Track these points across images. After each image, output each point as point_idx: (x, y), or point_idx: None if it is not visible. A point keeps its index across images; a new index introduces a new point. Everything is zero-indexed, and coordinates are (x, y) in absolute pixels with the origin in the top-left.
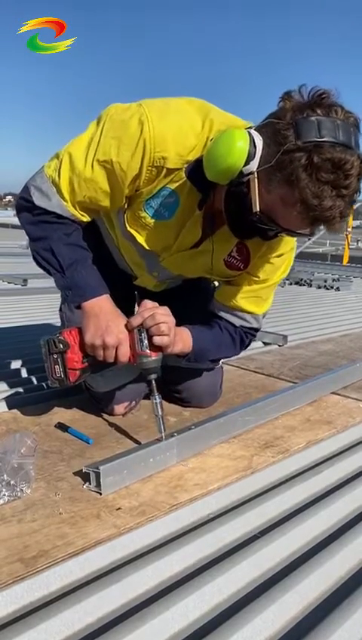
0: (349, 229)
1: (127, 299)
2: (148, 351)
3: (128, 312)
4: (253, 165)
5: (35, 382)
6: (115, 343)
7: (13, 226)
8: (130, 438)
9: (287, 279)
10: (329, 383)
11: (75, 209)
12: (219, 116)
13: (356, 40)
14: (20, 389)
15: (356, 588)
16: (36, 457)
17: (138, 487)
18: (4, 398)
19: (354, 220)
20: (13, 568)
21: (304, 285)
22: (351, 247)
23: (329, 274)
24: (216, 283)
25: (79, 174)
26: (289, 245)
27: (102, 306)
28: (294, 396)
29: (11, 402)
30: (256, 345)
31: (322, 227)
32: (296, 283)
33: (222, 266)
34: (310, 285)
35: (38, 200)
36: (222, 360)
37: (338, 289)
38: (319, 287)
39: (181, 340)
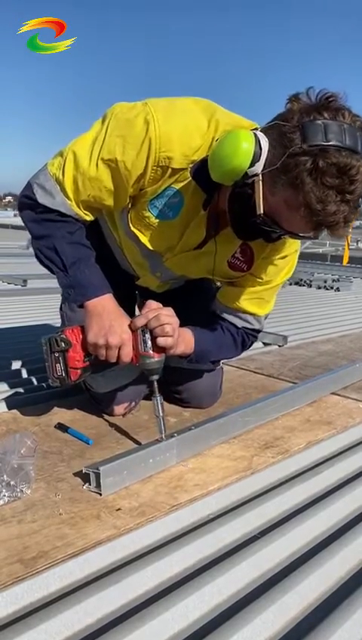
0: (349, 230)
1: (128, 298)
2: (151, 352)
3: (129, 311)
4: (258, 167)
5: (35, 382)
6: (118, 343)
7: (14, 227)
8: (130, 438)
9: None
10: (329, 383)
11: (79, 208)
12: (224, 116)
13: (357, 43)
14: (20, 389)
15: (356, 588)
16: (36, 458)
17: (138, 488)
18: (4, 399)
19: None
20: (13, 569)
21: (304, 286)
22: (350, 247)
23: (329, 274)
24: (219, 284)
25: (83, 173)
26: (293, 247)
27: (105, 306)
28: (294, 397)
29: (11, 402)
30: (256, 345)
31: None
32: (296, 283)
33: (225, 267)
34: (310, 286)
35: (42, 198)
36: (222, 360)
37: (338, 289)
38: (319, 288)
39: (183, 340)
